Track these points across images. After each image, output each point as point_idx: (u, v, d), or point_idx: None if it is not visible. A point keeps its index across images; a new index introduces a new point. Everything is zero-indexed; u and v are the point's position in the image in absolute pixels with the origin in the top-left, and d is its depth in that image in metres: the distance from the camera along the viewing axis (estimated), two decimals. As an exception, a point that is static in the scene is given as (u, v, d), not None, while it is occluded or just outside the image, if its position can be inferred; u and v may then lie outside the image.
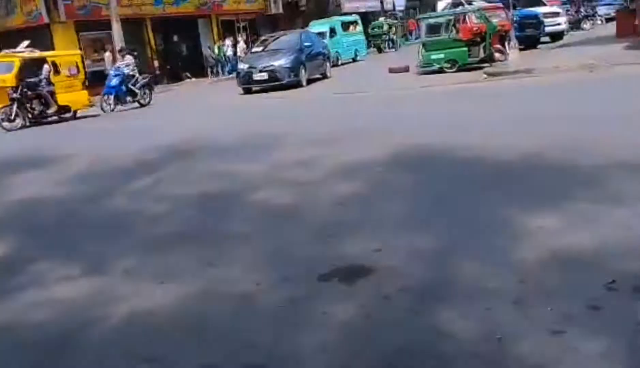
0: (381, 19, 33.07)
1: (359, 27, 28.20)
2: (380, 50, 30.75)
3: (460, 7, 16.71)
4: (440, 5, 41.76)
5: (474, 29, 15.26)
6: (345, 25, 27.00)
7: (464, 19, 15.65)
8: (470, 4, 18.94)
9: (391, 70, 16.86)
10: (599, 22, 29.76)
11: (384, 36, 31.37)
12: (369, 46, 29.63)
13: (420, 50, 16.00)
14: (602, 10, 31.36)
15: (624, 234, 3.30)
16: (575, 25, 26.66)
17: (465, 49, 15.23)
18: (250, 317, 2.90)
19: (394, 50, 30.57)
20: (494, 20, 15.87)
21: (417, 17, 21.97)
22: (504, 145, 5.78)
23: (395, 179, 5.21)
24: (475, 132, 6.72)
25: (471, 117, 8.07)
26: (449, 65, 15.33)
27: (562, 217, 3.67)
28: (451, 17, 15.82)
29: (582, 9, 29.44)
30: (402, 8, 41.71)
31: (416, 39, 31.90)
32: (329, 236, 3.90)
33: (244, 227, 4.37)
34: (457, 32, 15.42)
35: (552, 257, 3.12)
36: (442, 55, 15.38)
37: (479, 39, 15.23)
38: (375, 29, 31.68)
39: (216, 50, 26.83)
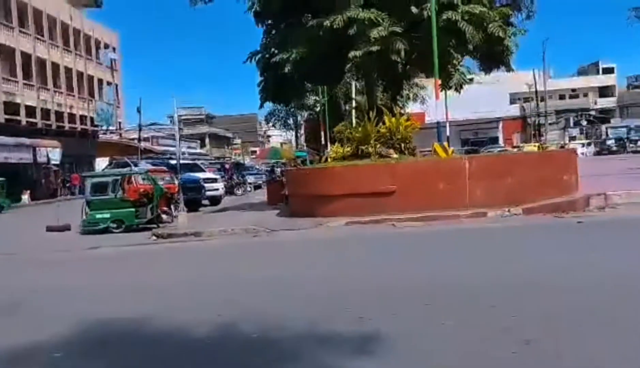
0: None
1: None
2: None
3: (127, 168, 16.74)
4: (99, 163, 41.41)
5: (141, 189, 15.33)
6: None
7: (131, 179, 15.64)
8: (135, 165, 19.19)
9: (49, 229, 15.45)
10: (249, 189, 33.31)
11: None
12: None
13: (84, 209, 15.17)
14: (250, 178, 35.36)
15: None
16: (229, 190, 29.19)
17: (133, 209, 15.11)
18: None
19: None
20: (161, 183, 16.27)
21: (83, 174, 20.82)
22: (198, 313, 5.53)
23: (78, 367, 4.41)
24: (162, 299, 6.35)
25: (153, 282, 7.67)
26: (115, 225, 14.89)
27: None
28: (118, 177, 15.62)
29: (234, 177, 32.62)
30: (57, 161, 39.87)
31: (77, 194, 30.53)
32: None
33: None
34: (124, 192, 15.24)
35: None
36: (108, 215, 14.93)
37: (146, 200, 15.28)
38: None
39: None
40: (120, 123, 56.16)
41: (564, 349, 4.08)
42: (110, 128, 53.08)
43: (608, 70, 76.94)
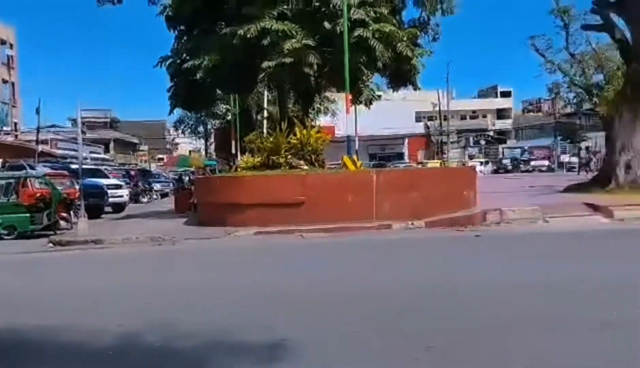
0: None
1: None
2: None
3: (23, 171, 15.83)
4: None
5: (38, 194, 14.50)
6: None
7: (26, 183, 14.76)
8: (32, 168, 18.17)
9: None
10: (155, 196, 32.35)
11: None
12: None
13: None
14: (157, 186, 34.36)
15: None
16: (134, 197, 28.22)
17: (28, 215, 14.24)
18: None
19: None
20: (60, 188, 15.48)
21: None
22: (99, 324, 5.30)
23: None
24: (61, 310, 6.03)
25: (50, 292, 7.27)
26: (6, 232, 13.97)
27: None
28: (11, 180, 14.70)
29: (140, 184, 31.55)
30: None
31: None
32: None
33: None
34: (18, 196, 14.36)
35: None
36: (-1, 221, 13.98)
37: (42, 205, 14.46)
38: None
39: None
40: (16, 124, 52.85)
41: (464, 355, 4.28)
42: (5, 129, 49.81)
43: (505, 94, 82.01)
